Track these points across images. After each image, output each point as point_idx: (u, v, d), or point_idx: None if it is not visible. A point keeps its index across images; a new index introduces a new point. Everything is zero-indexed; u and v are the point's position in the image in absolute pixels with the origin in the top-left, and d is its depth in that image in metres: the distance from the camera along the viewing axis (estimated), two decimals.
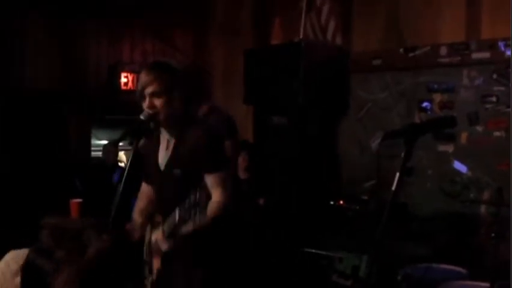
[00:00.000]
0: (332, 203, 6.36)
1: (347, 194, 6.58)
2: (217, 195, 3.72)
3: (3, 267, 2.50)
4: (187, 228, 3.55)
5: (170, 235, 3.58)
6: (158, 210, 3.94)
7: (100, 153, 8.04)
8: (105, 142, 8.11)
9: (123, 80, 8.20)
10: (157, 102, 3.73)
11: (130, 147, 3.76)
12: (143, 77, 3.79)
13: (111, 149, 7.76)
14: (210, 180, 3.74)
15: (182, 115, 3.82)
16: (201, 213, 3.32)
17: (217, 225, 3.71)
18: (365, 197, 6.23)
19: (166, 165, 3.88)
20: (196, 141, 3.75)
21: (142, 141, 3.77)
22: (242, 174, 6.62)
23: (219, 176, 3.75)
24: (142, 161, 4.08)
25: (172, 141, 3.88)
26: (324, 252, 5.72)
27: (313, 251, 5.75)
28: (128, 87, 8.18)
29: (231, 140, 5.34)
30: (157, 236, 3.70)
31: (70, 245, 2.19)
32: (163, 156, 3.93)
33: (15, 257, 2.53)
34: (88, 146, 8.33)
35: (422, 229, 6.02)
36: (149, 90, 3.74)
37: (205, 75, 5.42)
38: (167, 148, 3.92)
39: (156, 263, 3.82)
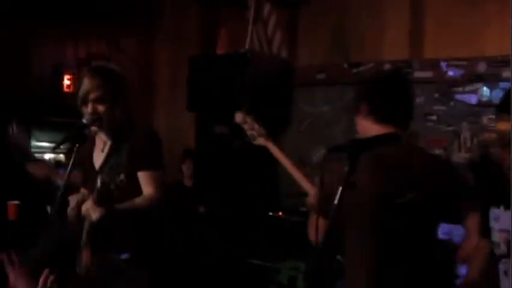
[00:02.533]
0: (270, 214, 6.38)
1: (286, 205, 6.60)
2: (149, 192, 3.69)
3: None
4: (120, 206, 3.56)
5: (100, 201, 3.57)
6: None
7: (39, 155, 7.91)
8: (44, 144, 7.98)
9: (66, 82, 8.10)
10: (101, 108, 3.72)
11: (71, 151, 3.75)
12: (87, 82, 3.74)
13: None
14: (142, 177, 3.72)
15: (124, 122, 3.82)
16: (121, 174, 3.55)
17: (149, 219, 3.73)
18: (304, 209, 6.26)
19: (101, 167, 3.87)
20: (134, 142, 3.75)
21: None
22: (187, 182, 6.73)
23: (151, 175, 3.73)
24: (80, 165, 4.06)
25: (109, 144, 3.87)
26: (262, 263, 5.75)
27: (252, 261, 5.76)
28: (71, 90, 8.08)
29: None
30: (87, 205, 3.64)
31: None
32: (98, 158, 3.91)
33: None
34: (27, 147, 8.20)
35: None
36: (92, 96, 3.71)
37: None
38: (102, 150, 3.90)
39: (85, 256, 3.75)
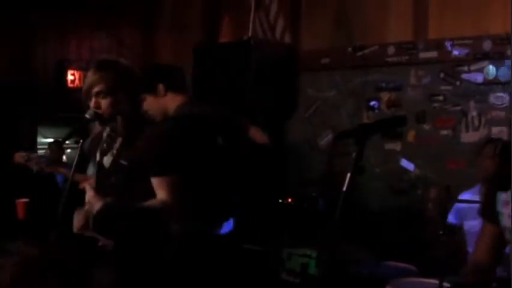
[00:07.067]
0: (280, 201, 6.36)
1: (296, 192, 6.58)
2: (161, 196, 3.56)
3: None
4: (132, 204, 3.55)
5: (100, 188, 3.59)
6: None
7: (44, 151, 7.90)
8: (51, 140, 7.97)
9: (70, 77, 8.09)
10: (103, 102, 3.69)
11: (75, 146, 3.74)
12: (90, 76, 3.72)
13: (55, 148, 7.56)
14: (155, 182, 3.59)
15: (129, 116, 3.78)
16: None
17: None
18: (314, 195, 6.24)
19: (110, 165, 3.83)
20: (145, 142, 3.70)
21: (87, 140, 3.76)
22: None
23: (163, 180, 3.59)
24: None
25: (118, 141, 3.82)
26: (273, 250, 5.73)
27: (262, 249, 5.74)
28: (75, 85, 8.06)
29: None
30: (89, 196, 3.62)
31: None
32: (107, 156, 3.88)
33: None
34: (34, 144, 8.20)
35: (370, 227, 6.07)
36: (95, 90, 3.68)
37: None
38: (112, 148, 3.86)
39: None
